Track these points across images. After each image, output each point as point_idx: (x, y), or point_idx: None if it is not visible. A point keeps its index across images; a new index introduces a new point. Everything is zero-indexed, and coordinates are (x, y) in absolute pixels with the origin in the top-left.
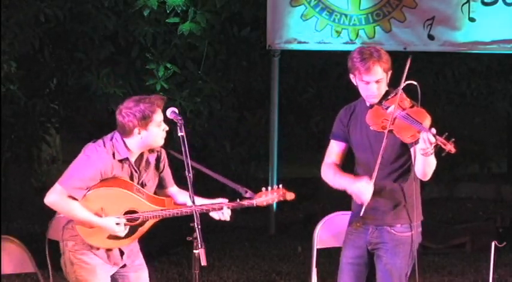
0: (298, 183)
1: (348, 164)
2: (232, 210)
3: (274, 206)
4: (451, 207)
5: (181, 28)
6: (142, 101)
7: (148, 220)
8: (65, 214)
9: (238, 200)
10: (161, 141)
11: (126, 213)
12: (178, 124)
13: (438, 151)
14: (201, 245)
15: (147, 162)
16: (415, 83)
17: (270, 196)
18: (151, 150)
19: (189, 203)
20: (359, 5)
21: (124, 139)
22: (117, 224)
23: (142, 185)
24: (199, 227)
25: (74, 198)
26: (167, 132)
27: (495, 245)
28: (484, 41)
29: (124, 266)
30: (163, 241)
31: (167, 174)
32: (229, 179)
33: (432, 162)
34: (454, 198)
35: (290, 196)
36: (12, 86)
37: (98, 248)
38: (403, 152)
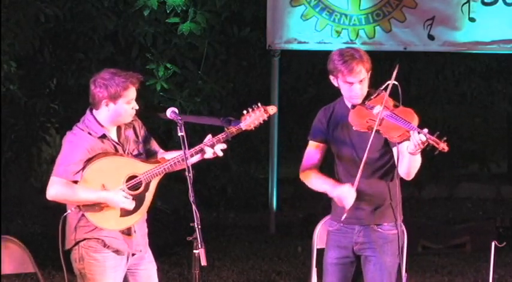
0: (298, 183)
1: (324, 164)
2: (232, 209)
3: (274, 206)
4: (451, 207)
5: (181, 28)
6: (118, 75)
7: (151, 182)
8: (71, 201)
9: (226, 129)
10: (129, 118)
11: (128, 180)
12: (178, 124)
13: (431, 150)
14: (201, 245)
15: (126, 135)
16: (396, 83)
17: (254, 116)
18: (127, 124)
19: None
20: (359, 5)
21: (94, 114)
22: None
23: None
24: (199, 227)
25: (75, 182)
26: (167, 132)
27: (495, 245)
28: (484, 41)
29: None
30: (163, 241)
31: (150, 140)
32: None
33: (418, 160)
34: (454, 198)
35: (272, 110)
36: (12, 86)
37: (115, 237)
38: (386, 151)
